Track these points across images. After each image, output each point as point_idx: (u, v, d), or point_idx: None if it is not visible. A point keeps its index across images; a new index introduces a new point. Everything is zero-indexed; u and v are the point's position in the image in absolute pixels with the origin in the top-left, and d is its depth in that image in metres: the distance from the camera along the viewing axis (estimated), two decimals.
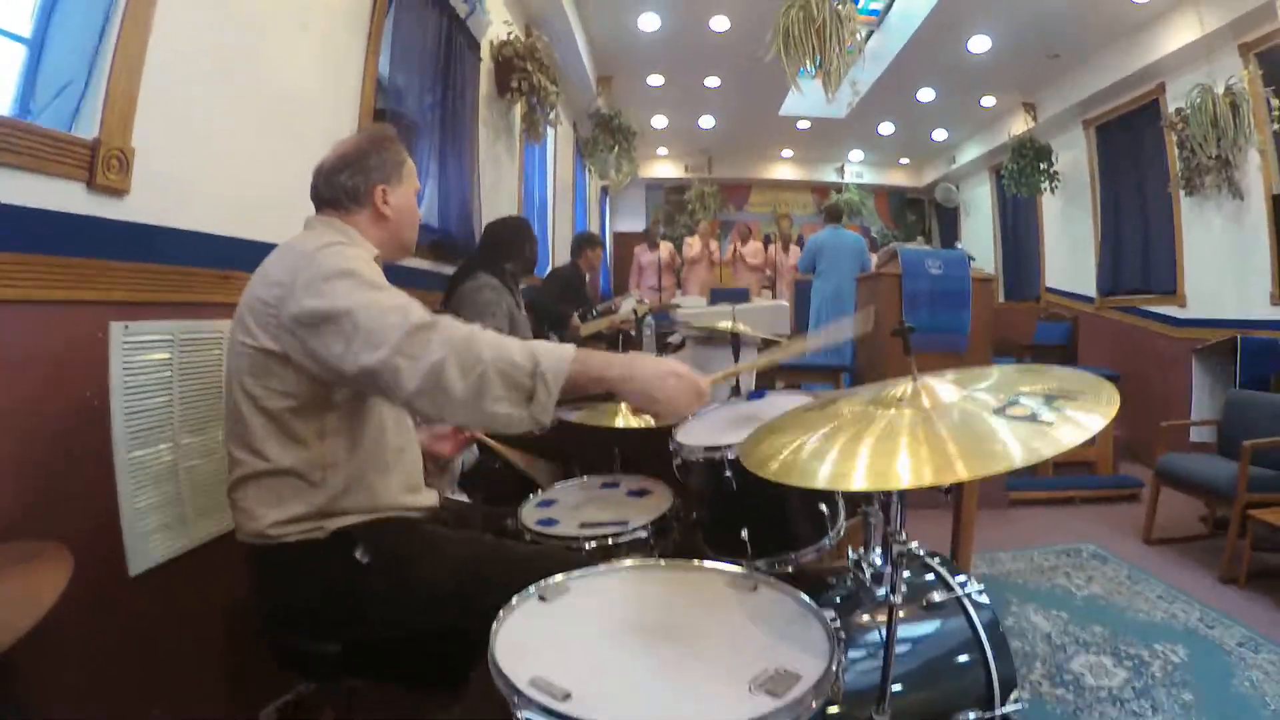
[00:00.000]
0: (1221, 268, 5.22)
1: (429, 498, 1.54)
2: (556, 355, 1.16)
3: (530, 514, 1.77)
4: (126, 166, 1.55)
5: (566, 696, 0.87)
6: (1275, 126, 4.50)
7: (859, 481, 0.89)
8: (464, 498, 1.97)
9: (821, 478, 0.93)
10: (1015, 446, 0.88)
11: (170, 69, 1.66)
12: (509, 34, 4.46)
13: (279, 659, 1.44)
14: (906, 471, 0.88)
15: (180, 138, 1.73)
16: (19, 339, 1.38)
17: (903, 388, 1.03)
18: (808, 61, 4.12)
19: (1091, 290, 6.94)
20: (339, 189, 1.44)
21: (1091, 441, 4.96)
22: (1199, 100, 4.93)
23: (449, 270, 3.22)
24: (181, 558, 1.71)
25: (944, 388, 1.00)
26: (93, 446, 1.52)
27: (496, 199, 4.38)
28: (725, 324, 2.08)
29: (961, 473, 0.84)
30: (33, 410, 1.40)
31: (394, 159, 1.49)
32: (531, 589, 1.16)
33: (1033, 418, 0.92)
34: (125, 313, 1.57)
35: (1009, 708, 1.29)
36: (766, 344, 2.52)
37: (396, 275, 1.32)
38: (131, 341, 1.57)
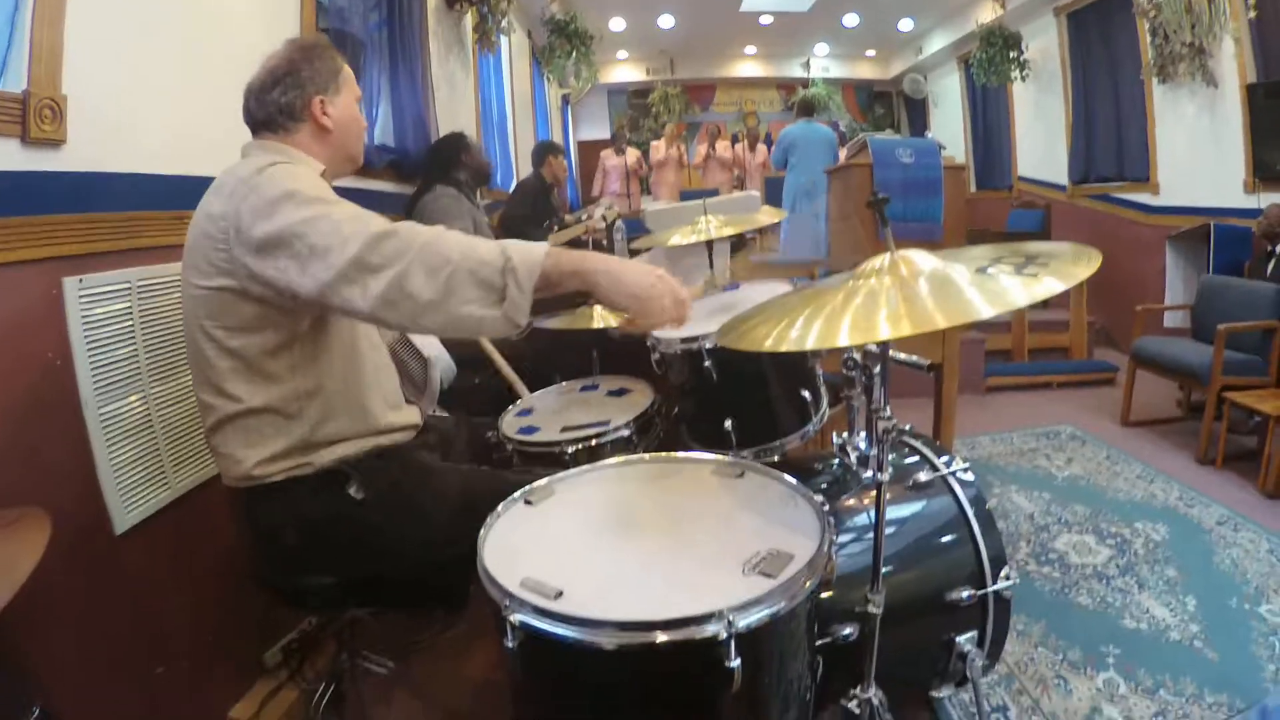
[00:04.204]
0: (1195, 156, 5.17)
1: (412, 414, 1.51)
2: (529, 251, 1.10)
3: (511, 424, 1.77)
4: (60, 115, 1.47)
5: (559, 595, 0.87)
6: (1251, 15, 4.38)
7: (845, 339, 0.87)
8: (445, 415, 1.96)
9: (810, 341, 0.91)
10: (994, 296, 0.86)
11: (94, 8, 1.56)
12: None
13: (274, 596, 1.45)
14: (886, 325, 0.86)
15: (113, 79, 1.63)
16: None
17: (880, 260, 1.01)
18: None
19: (1064, 179, 6.89)
20: (273, 107, 1.35)
21: (1065, 326, 5.08)
22: None
23: (408, 191, 3.20)
24: (166, 510, 1.69)
25: (921, 257, 0.98)
26: (62, 407, 1.48)
27: (454, 114, 4.23)
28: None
29: (940, 322, 0.83)
30: None
31: (329, 67, 1.39)
32: (517, 494, 1.15)
33: (1013, 274, 0.90)
34: (77, 266, 1.51)
35: (1001, 584, 1.31)
36: (740, 242, 2.49)
37: (354, 197, 1.26)
38: (88, 295, 1.52)
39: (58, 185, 1.48)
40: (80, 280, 1.50)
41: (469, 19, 4.62)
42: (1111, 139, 6.20)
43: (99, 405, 1.54)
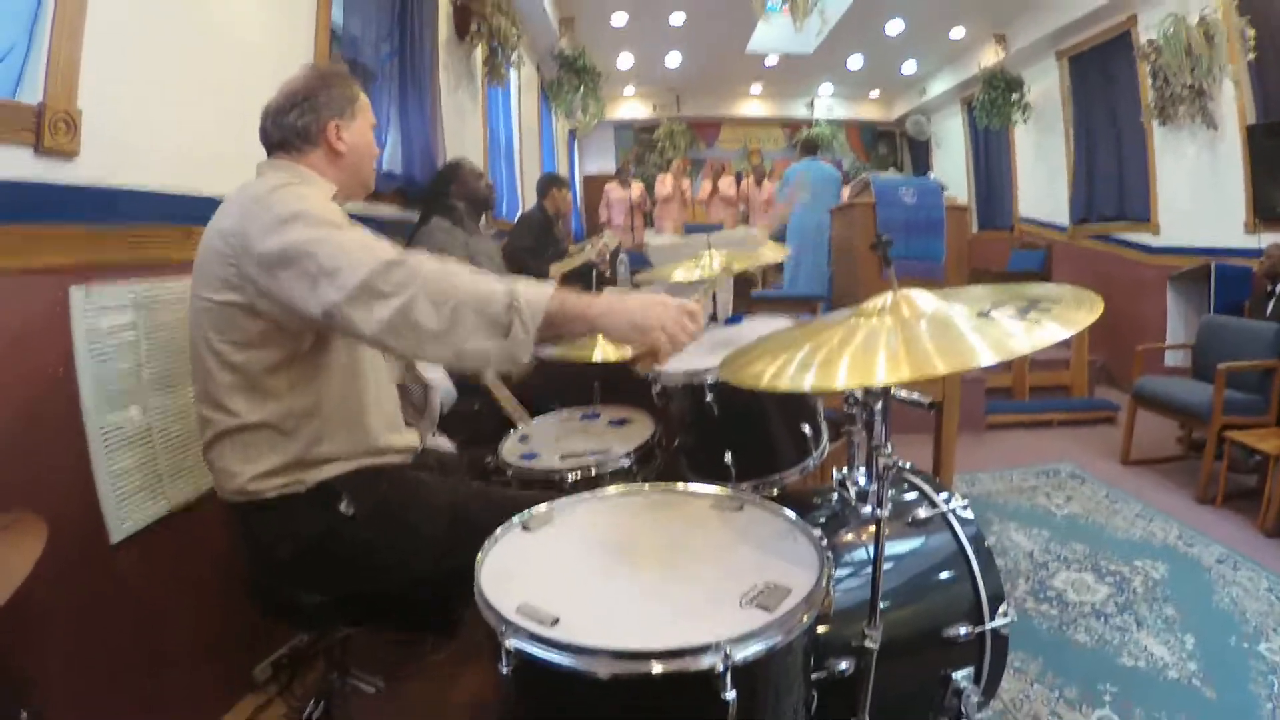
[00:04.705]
0: (1195, 197, 5.21)
1: (410, 437, 1.52)
2: (536, 291, 1.11)
3: (511, 449, 1.77)
4: (74, 128, 1.50)
5: (555, 622, 0.86)
6: (1250, 56, 4.44)
7: (842, 380, 0.88)
8: (444, 440, 1.96)
9: (807, 382, 0.92)
10: (995, 342, 0.87)
11: (114, 27, 1.59)
12: None
13: (266, 612, 1.44)
14: (885, 368, 0.87)
15: (128, 96, 1.66)
16: None
17: (882, 300, 1.02)
18: None
19: (1065, 219, 6.95)
20: (289, 129, 1.38)
21: (1066, 365, 5.08)
22: (1172, 30, 4.87)
23: (414, 218, 3.20)
24: (162, 521, 1.70)
25: (923, 297, 0.99)
26: (63, 415, 1.49)
27: (461, 145, 4.28)
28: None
29: (940, 368, 0.83)
30: None
31: (345, 94, 1.42)
32: (515, 519, 1.15)
33: (1015, 318, 0.91)
34: (85, 277, 1.52)
35: (998, 621, 1.30)
36: (742, 281, 2.51)
37: (361, 223, 1.28)
38: (93, 305, 1.53)
39: (68, 196, 1.50)
40: (87, 291, 1.52)
41: (479, 51, 4.68)
42: (1112, 180, 6.26)
43: (100, 415, 1.54)
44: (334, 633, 1.57)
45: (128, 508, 1.60)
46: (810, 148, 6.40)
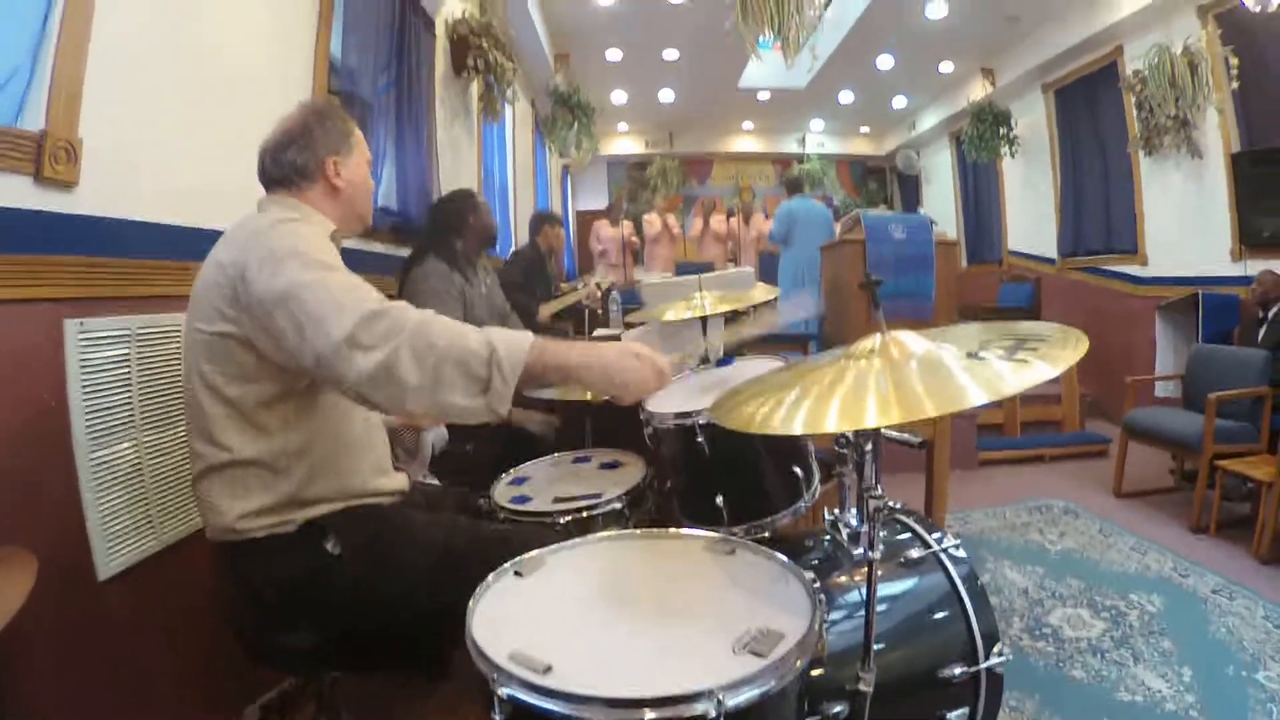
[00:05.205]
0: (1182, 226, 5.30)
1: (399, 480, 1.51)
2: (514, 344, 1.13)
3: (503, 492, 1.77)
4: (74, 157, 1.50)
5: (548, 670, 0.86)
6: (1234, 85, 4.54)
7: (832, 424, 0.88)
8: (435, 482, 1.95)
9: (797, 425, 0.93)
10: (985, 383, 0.88)
11: (116, 58, 1.61)
12: (464, 11, 4.39)
13: (254, 655, 1.42)
14: (876, 411, 0.88)
15: (129, 127, 1.68)
16: None
17: (871, 341, 1.03)
18: (767, 29, 4.07)
19: (1053, 252, 7.03)
20: (288, 167, 1.40)
21: (1057, 399, 5.11)
22: (1156, 61, 4.97)
23: (406, 253, 3.11)
24: (151, 559, 1.68)
25: (912, 339, 1.00)
26: (53, 449, 1.48)
27: (456, 180, 4.32)
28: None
29: (930, 410, 0.84)
30: None
31: (340, 129, 1.45)
32: (507, 565, 1.15)
33: (1003, 358, 0.92)
34: (79, 309, 1.52)
35: (993, 661, 1.30)
36: (733, 316, 2.51)
37: (355, 259, 1.29)
38: (87, 339, 1.53)
39: (66, 227, 1.51)
40: (81, 323, 1.51)
41: (475, 87, 4.75)
42: (1099, 212, 6.36)
43: (91, 450, 1.54)
44: (324, 676, 1.54)
45: (116, 545, 1.59)
46: (795, 186, 6.48)
